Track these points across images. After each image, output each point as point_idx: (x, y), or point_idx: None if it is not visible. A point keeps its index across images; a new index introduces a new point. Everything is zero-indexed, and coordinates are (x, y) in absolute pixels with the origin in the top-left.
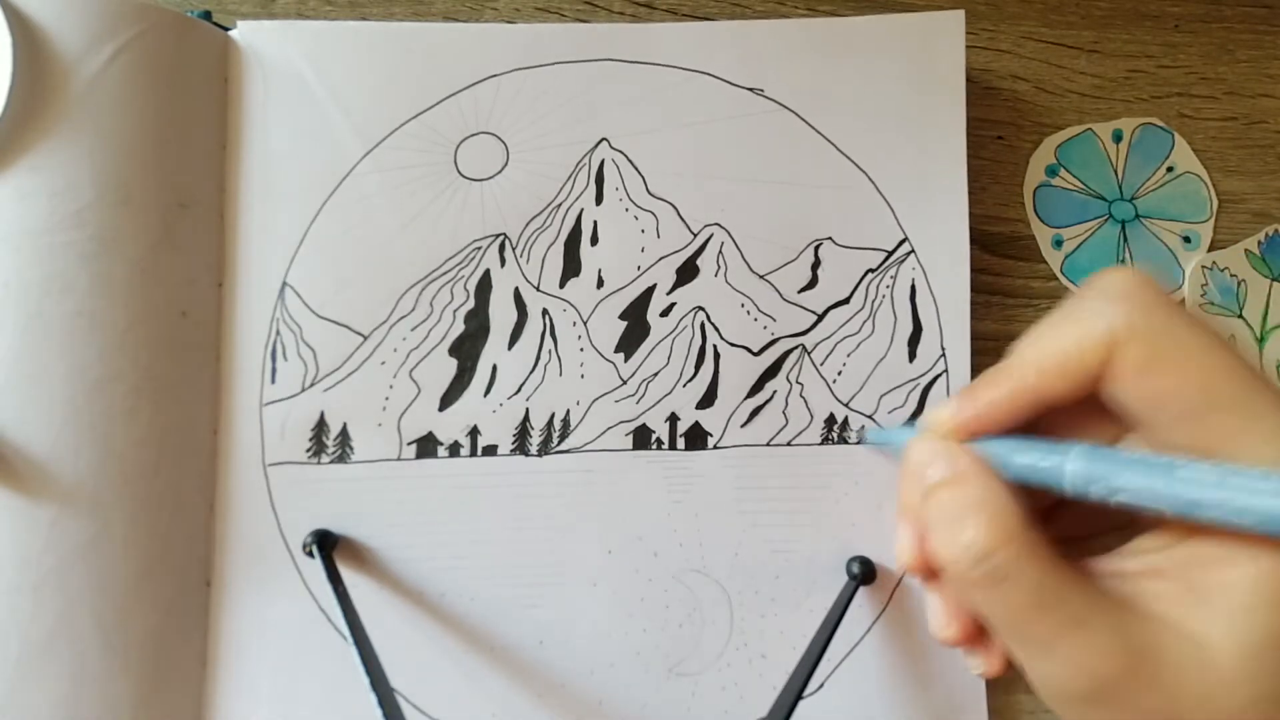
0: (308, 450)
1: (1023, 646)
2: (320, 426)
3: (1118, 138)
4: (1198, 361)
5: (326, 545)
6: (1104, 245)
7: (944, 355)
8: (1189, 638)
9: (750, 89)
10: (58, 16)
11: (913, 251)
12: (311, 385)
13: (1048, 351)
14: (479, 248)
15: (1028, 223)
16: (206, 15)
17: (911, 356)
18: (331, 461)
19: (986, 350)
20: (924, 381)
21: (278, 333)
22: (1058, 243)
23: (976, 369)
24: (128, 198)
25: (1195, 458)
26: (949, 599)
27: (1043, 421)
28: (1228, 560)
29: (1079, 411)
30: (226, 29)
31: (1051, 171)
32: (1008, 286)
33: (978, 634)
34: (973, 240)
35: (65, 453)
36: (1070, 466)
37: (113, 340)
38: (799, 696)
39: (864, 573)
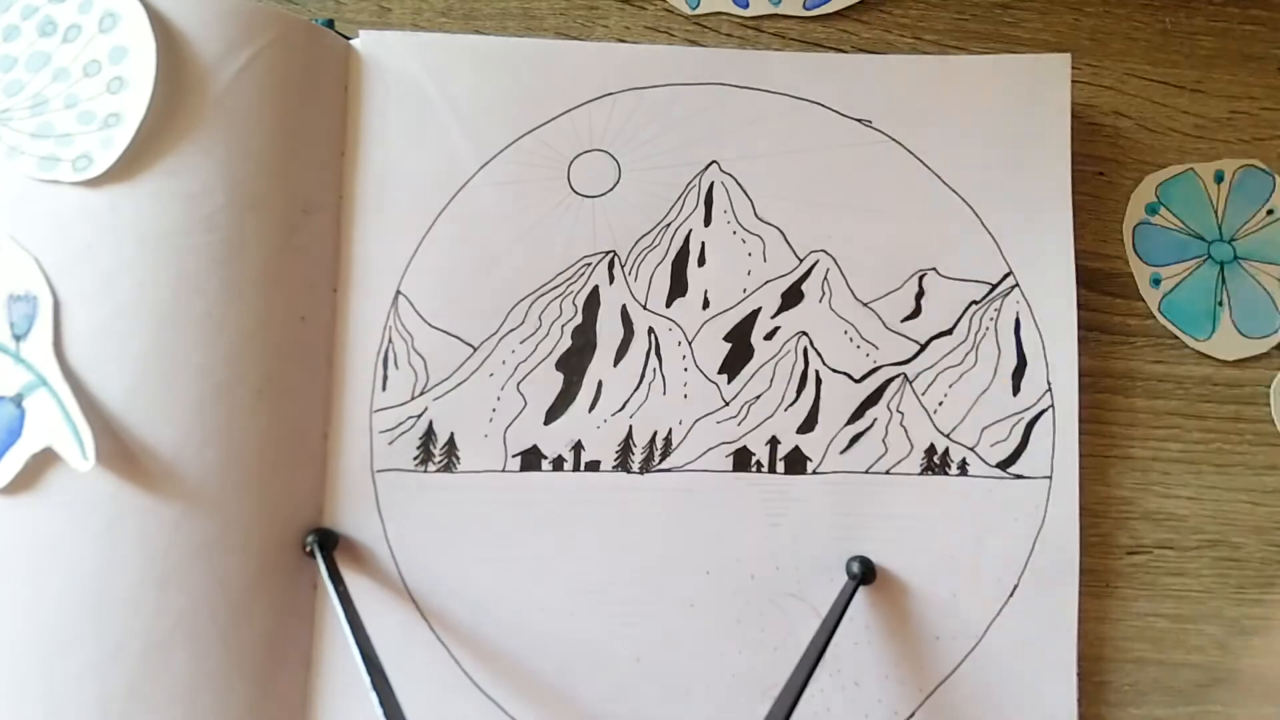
0: (415, 458)
1: None
2: (428, 435)
3: (1219, 179)
4: None
5: (327, 545)
6: (1202, 286)
7: (1050, 390)
8: None
9: (859, 120)
10: (198, 23)
11: (1017, 285)
12: (421, 393)
13: None
14: (589, 264)
15: (1126, 260)
16: (330, 24)
17: (1015, 390)
18: (438, 470)
19: (1084, 387)
20: (1028, 416)
21: (390, 340)
22: (1155, 281)
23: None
24: (256, 202)
25: None
26: None
27: None
28: None
29: None
30: (347, 38)
31: (1152, 209)
32: (1105, 323)
33: None
34: (1076, 276)
35: (191, 453)
36: None
37: (238, 343)
38: (797, 698)
39: (864, 572)
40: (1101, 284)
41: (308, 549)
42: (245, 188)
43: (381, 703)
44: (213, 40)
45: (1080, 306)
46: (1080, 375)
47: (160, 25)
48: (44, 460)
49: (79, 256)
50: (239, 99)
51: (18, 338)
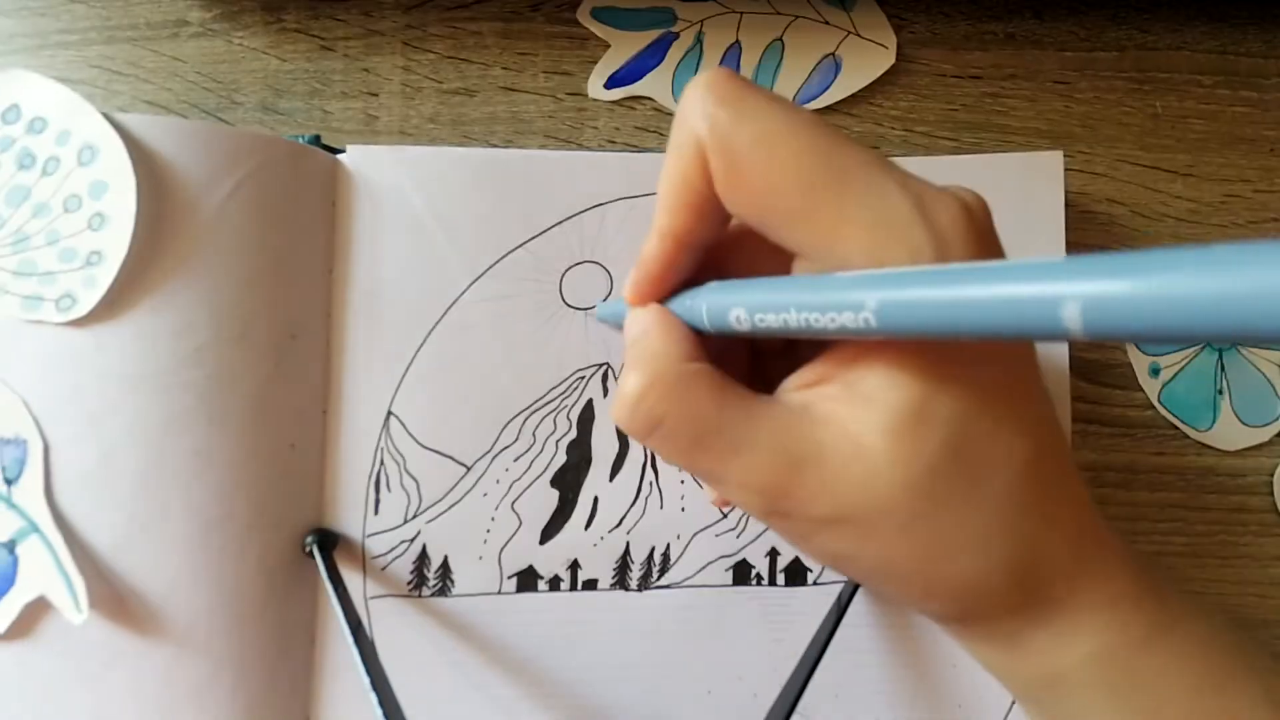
0: (409, 583)
1: (697, 475)
2: (422, 559)
3: None
4: (785, 152)
5: (327, 545)
6: (1201, 373)
7: None
8: (846, 433)
9: None
10: (179, 153)
11: None
12: (414, 516)
13: (668, 189)
14: (582, 377)
15: (1124, 350)
16: (316, 139)
17: None
18: (432, 594)
19: (1085, 481)
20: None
21: (381, 463)
22: (1155, 370)
23: None
24: (243, 333)
25: (813, 269)
26: None
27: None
28: (869, 354)
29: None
30: (336, 151)
31: None
32: (1104, 415)
33: None
34: (1071, 368)
35: (181, 595)
36: (700, 301)
37: (227, 478)
38: (796, 701)
39: None
40: (1099, 375)
41: (307, 549)
42: (232, 319)
43: (381, 703)
44: (195, 170)
45: (1079, 399)
46: (1081, 470)
47: (141, 158)
48: (34, 609)
49: (67, 398)
50: (224, 228)
51: (9, 482)
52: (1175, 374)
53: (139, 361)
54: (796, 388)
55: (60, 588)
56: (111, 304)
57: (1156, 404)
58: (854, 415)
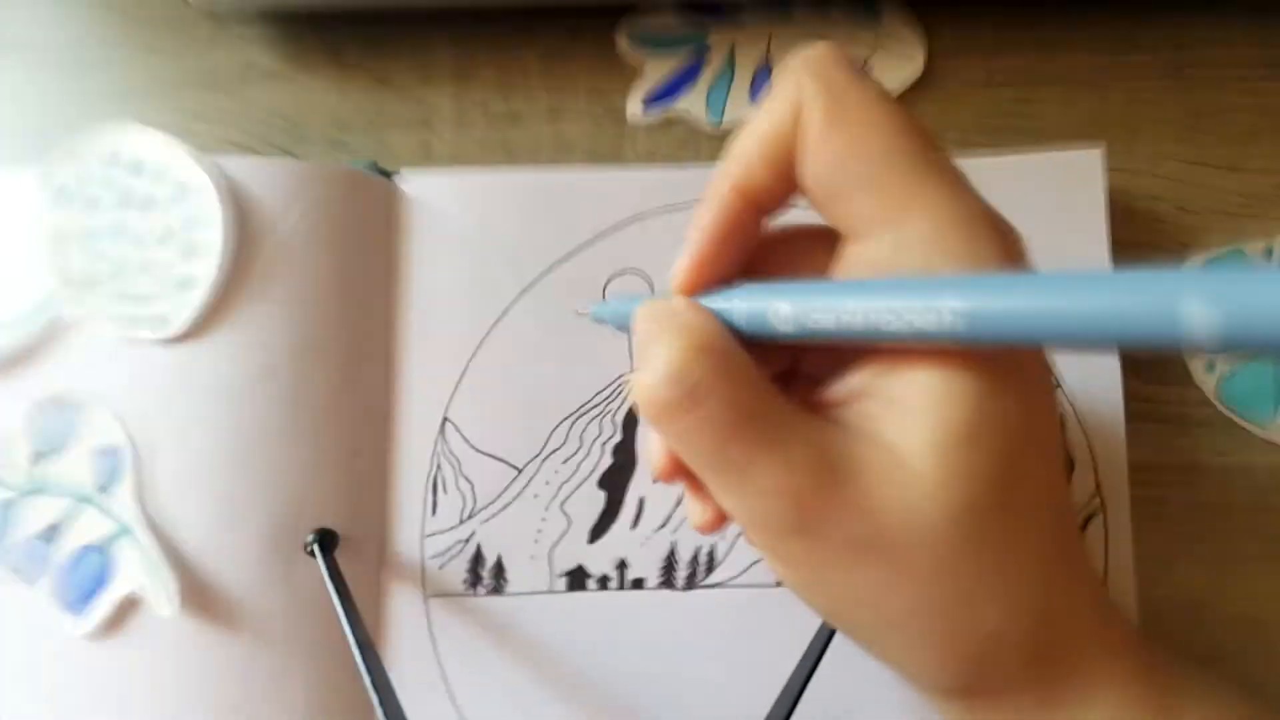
0: (465, 581)
1: (720, 475)
2: (477, 558)
3: (1270, 254)
4: (875, 120)
5: (328, 545)
6: (1259, 368)
7: (1099, 492)
8: (889, 449)
9: None
10: (257, 187)
11: (1058, 385)
12: (469, 517)
13: (750, 140)
14: (625, 382)
15: None
16: (374, 166)
17: None
18: (487, 593)
19: (1140, 482)
20: (1079, 519)
21: (439, 466)
22: (1211, 366)
23: (1134, 503)
24: (315, 347)
25: (859, 259)
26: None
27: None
28: (910, 367)
29: (802, 249)
30: (390, 174)
31: None
32: (1161, 413)
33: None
34: (1122, 366)
35: (258, 591)
36: (736, 300)
37: (299, 485)
38: (797, 698)
39: None
40: (1155, 373)
41: (308, 549)
42: (305, 335)
43: (381, 702)
44: (270, 202)
45: (1133, 398)
46: (1136, 469)
47: (227, 194)
48: (125, 606)
49: (157, 410)
50: (296, 253)
51: (103, 489)
52: (1233, 369)
53: (221, 375)
54: (831, 404)
55: (151, 584)
56: (198, 324)
57: (1214, 400)
58: (898, 431)
